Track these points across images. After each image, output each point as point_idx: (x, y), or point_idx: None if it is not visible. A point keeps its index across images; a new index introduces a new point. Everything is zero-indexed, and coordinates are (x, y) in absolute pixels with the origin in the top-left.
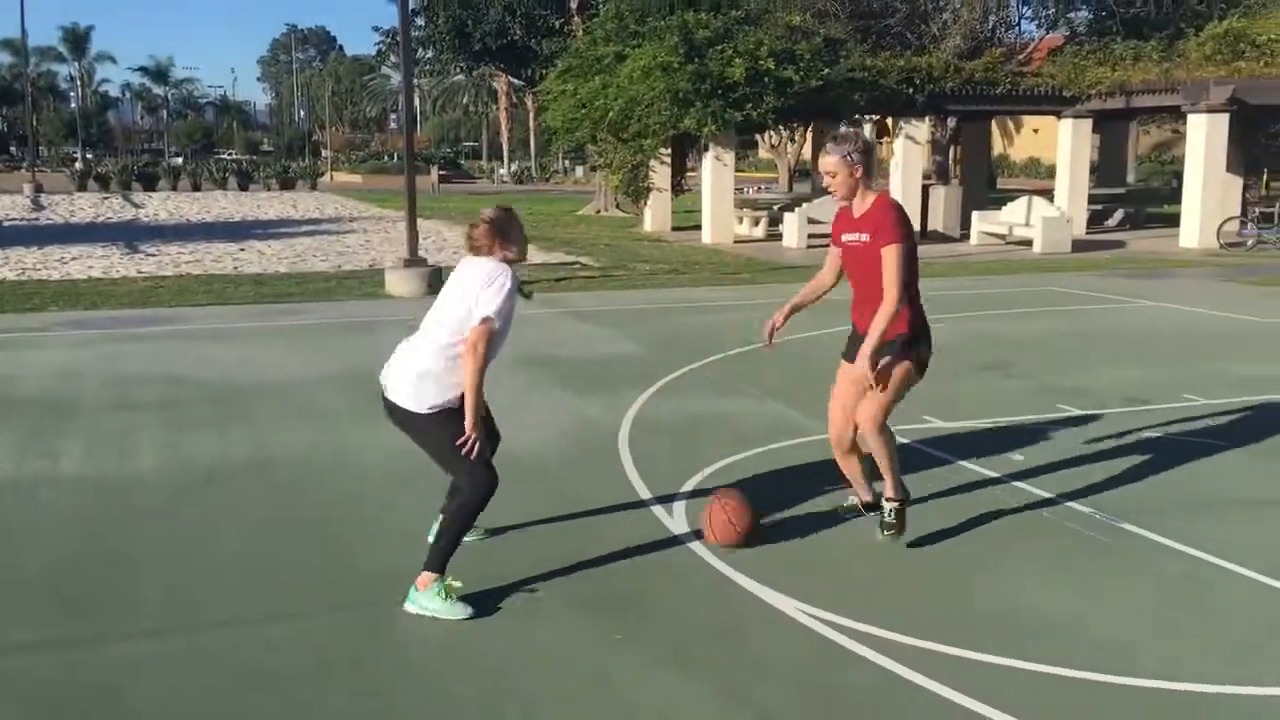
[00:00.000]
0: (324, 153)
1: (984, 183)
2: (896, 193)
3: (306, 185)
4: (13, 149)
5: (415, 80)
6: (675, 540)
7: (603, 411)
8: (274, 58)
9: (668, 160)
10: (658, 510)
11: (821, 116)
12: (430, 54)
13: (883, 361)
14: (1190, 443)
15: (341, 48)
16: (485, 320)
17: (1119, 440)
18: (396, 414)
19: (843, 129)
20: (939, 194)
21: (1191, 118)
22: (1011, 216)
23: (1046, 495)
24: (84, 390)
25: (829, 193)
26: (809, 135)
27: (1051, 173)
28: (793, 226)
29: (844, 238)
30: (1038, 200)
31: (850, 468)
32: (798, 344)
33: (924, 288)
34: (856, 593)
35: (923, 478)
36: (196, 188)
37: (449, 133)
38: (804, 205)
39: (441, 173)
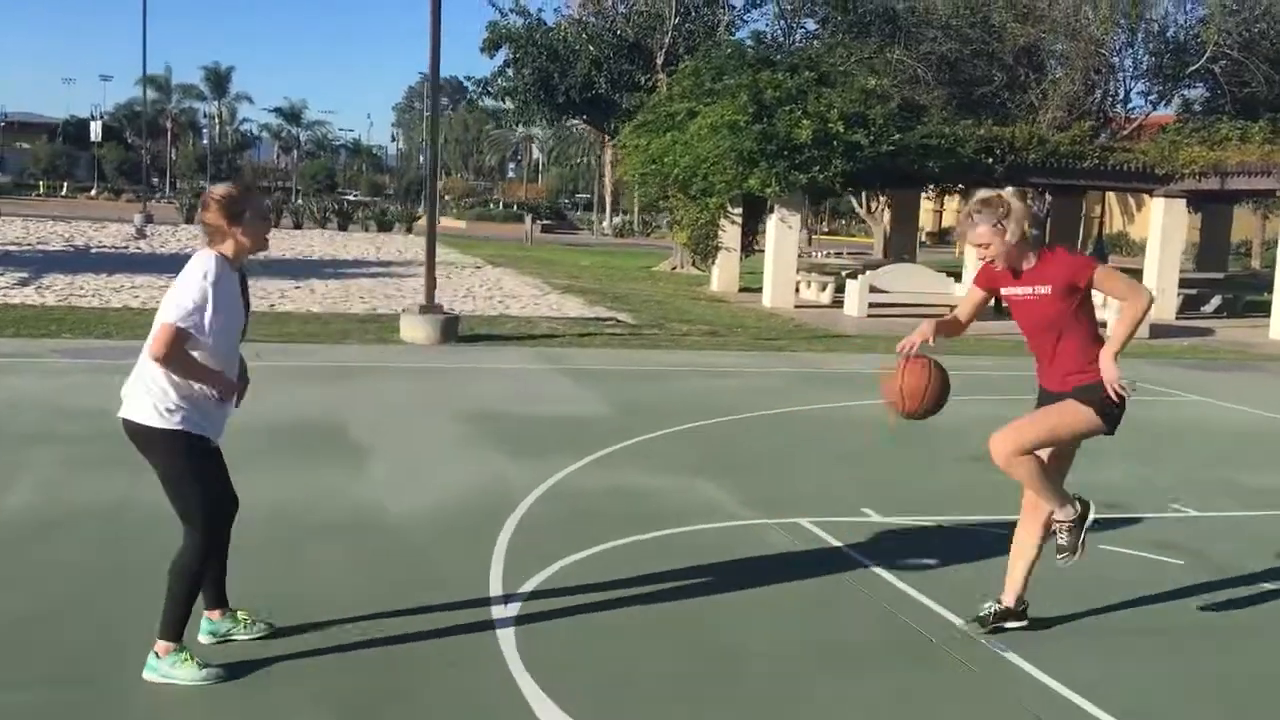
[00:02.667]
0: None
1: None
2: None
3: (403, 228)
4: (155, 180)
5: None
6: (480, 645)
7: (521, 477)
8: (408, 104)
9: (738, 220)
10: (488, 608)
11: (901, 182)
12: (513, 105)
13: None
14: (1145, 560)
15: (471, 98)
16: (164, 326)
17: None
18: (127, 429)
19: (983, 192)
20: None
21: None
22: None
23: (942, 613)
24: None
25: (983, 259)
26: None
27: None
28: (854, 294)
29: (1008, 291)
30: None
31: (1031, 544)
32: (770, 420)
33: (968, 364)
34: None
35: (816, 584)
36: (298, 226)
37: (568, 184)
38: (868, 273)
39: (545, 223)
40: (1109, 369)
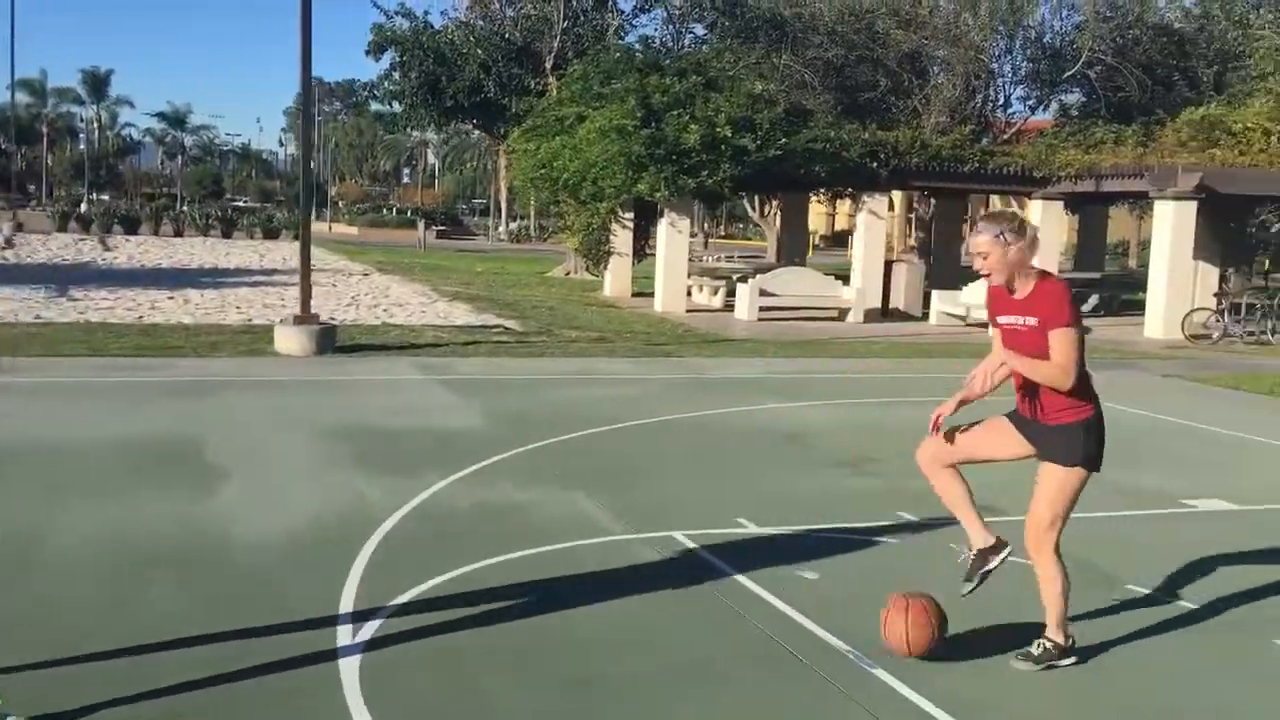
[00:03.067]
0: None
1: (956, 261)
2: (857, 268)
3: (291, 235)
4: (30, 188)
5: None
6: (321, 677)
7: (385, 497)
8: (299, 109)
9: (630, 224)
10: (335, 637)
11: (789, 186)
12: (400, 108)
13: (1059, 454)
14: (1029, 570)
15: (357, 102)
16: None
17: (929, 561)
18: None
19: (998, 207)
20: (900, 271)
21: (1158, 204)
22: (971, 298)
23: (812, 628)
24: None
25: (981, 274)
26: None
27: None
28: (744, 298)
29: (1002, 319)
30: None
31: (955, 490)
32: (651, 428)
33: (845, 366)
34: None
35: (684, 600)
36: (179, 233)
37: (465, 189)
38: (758, 277)
39: (440, 228)
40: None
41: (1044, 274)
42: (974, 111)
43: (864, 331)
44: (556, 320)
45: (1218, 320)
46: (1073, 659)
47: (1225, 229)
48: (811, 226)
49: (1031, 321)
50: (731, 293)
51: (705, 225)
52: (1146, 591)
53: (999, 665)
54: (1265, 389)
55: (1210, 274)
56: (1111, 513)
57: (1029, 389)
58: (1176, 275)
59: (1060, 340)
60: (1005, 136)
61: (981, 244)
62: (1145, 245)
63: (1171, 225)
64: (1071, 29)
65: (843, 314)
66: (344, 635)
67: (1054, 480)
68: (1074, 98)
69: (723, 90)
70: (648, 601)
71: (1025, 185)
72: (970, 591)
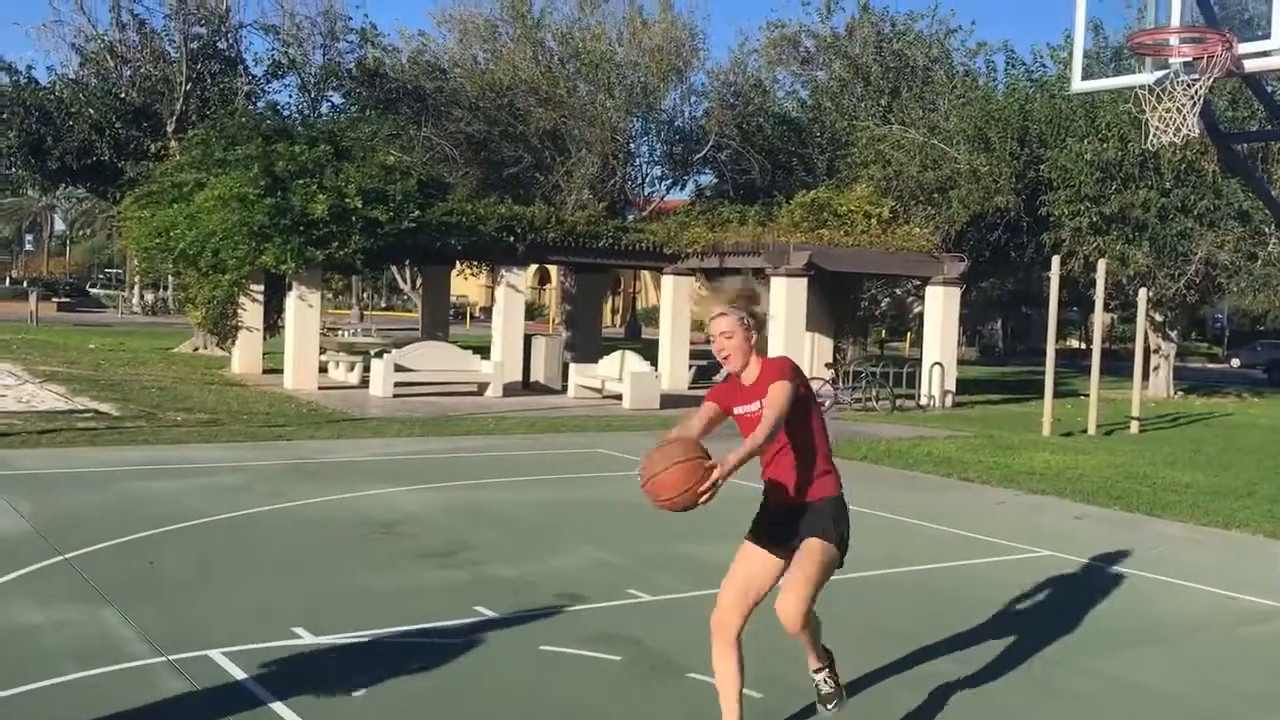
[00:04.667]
0: None
1: (596, 334)
2: (497, 342)
3: None
4: None
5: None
6: None
7: None
8: None
9: (259, 297)
10: None
11: (426, 259)
12: None
13: (817, 528)
14: (583, 660)
15: None
16: None
17: (497, 661)
18: None
19: (728, 280)
20: (540, 344)
21: (774, 280)
22: (606, 370)
23: None
24: None
25: (719, 356)
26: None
27: None
28: (379, 374)
29: (738, 410)
30: (630, 355)
31: (726, 669)
32: (223, 525)
33: (460, 445)
34: None
35: None
36: None
37: (100, 258)
38: (394, 352)
39: (63, 300)
40: (728, 465)
41: (764, 357)
42: (614, 188)
43: (501, 406)
44: (165, 402)
45: (830, 388)
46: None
47: (838, 302)
48: (471, 298)
49: (756, 408)
50: (369, 369)
51: (363, 297)
52: (709, 680)
53: None
54: (860, 455)
55: (826, 345)
56: (686, 593)
57: (780, 472)
58: (792, 345)
59: (776, 391)
60: (645, 213)
61: (725, 326)
62: None
63: (786, 299)
64: (701, 114)
65: (482, 388)
66: None
67: (817, 554)
68: (706, 178)
69: (355, 160)
70: None
71: (658, 260)
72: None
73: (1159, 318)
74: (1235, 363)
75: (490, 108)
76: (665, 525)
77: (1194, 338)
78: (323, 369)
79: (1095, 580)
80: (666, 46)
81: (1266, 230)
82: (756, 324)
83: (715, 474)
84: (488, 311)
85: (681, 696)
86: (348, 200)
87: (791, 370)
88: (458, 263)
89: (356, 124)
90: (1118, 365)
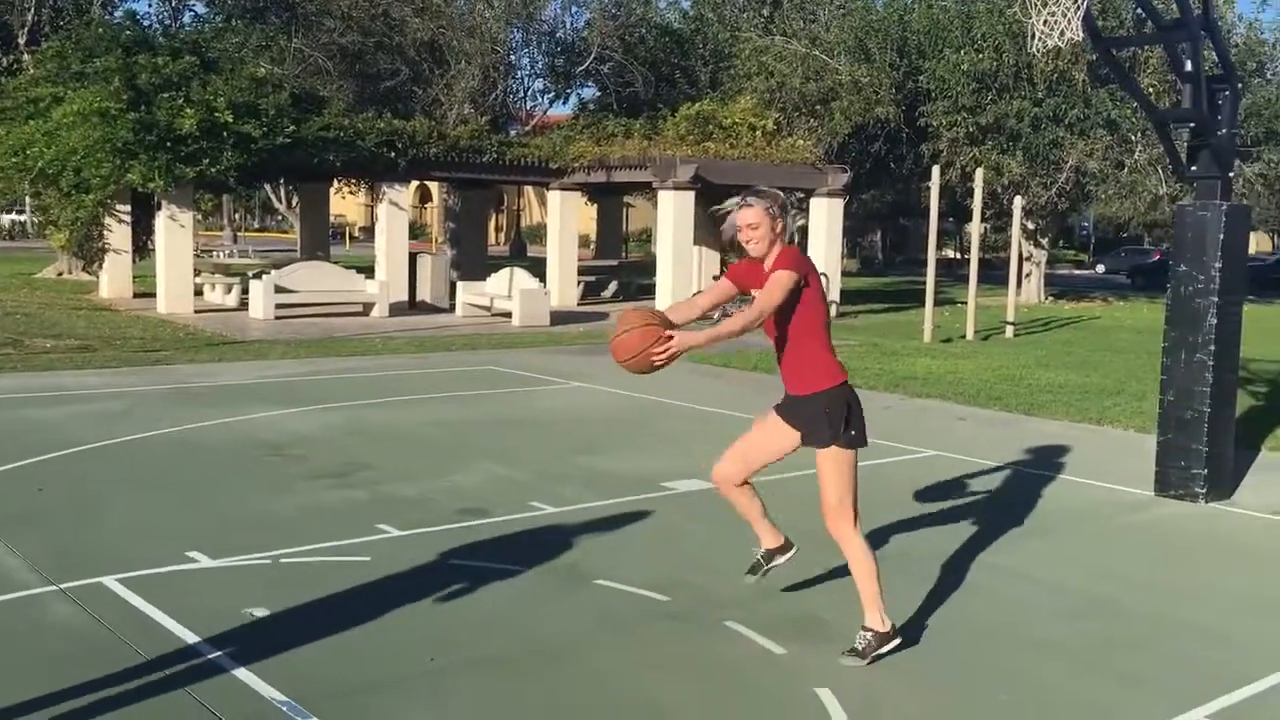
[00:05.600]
0: None
1: (482, 252)
2: (381, 261)
3: None
4: None
5: None
6: None
7: None
8: None
9: (127, 218)
10: None
11: (304, 176)
12: None
13: (815, 437)
14: (491, 573)
15: None
16: None
17: (403, 578)
18: None
19: (762, 186)
20: (426, 263)
21: (661, 193)
22: (494, 288)
23: (248, 679)
24: None
25: (744, 244)
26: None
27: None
28: (258, 295)
29: (755, 292)
30: (519, 272)
31: (743, 502)
32: (106, 452)
33: (349, 365)
34: None
35: (92, 657)
36: None
37: None
38: (274, 273)
39: None
40: (695, 338)
41: (786, 247)
42: (496, 102)
43: (388, 326)
44: (32, 328)
45: None
46: (897, 641)
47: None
48: (350, 218)
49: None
50: (247, 290)
51: (235, 218)
52: (616, 585)
53: (460, 683)
54: (750, 365)
55: (712, 258)
56: (589, 504)
57: (788, 363)
58: (680, 260)
59: (775, 280)
60: (529, 128)
61: (752, 216)
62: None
63: (673, 213)
64: (582, 25)
65: (367, 309)
66: None
67: (826, 467)
68: (590, 92)
69: (223, 73)
70: (53, 667)
71: (543, 176)
72: (754, 581)
73: (1031, 226)
74: (1100, 268)
75: (364, 18)
76: (566, 439)
77: (1062, 245)
78: (198, 292)
79: (981, 477)
80: None
81: (1133, 138)
82: (784, 217)
83: (674, 343)
84: (368, 231)
85: (591, 602)
86: (218, 115)
87: (799, 261)
88: (336, 181)
89: (223, 34)
90: (991, 274)
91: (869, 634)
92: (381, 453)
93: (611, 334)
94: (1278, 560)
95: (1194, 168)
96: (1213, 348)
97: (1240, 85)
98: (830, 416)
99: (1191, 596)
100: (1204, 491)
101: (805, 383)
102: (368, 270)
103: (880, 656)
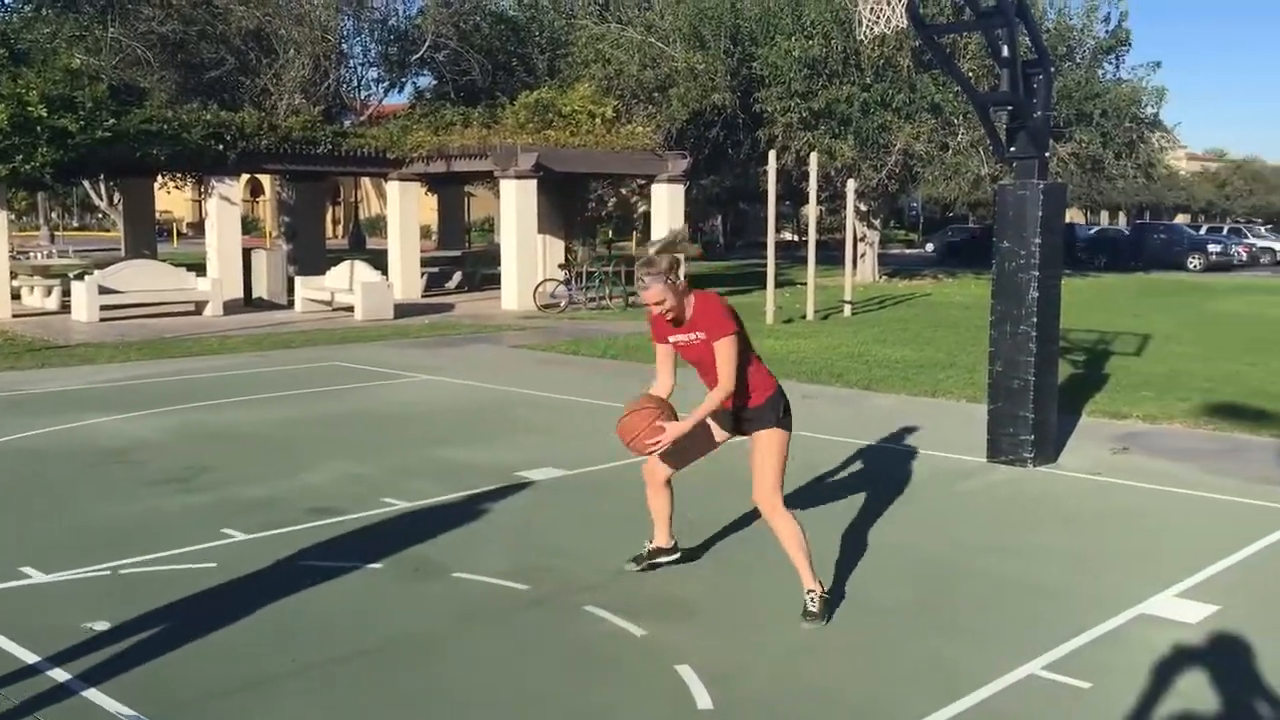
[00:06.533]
0: None
1: (319, 246)
2: (213, 258)
3: None
4: None
5: None
6: None
7: None
8: None
9: None
10: None
11: (128, 171)
12: None
13: (761, 423)
14: (346, 573)
15: None
16: None
17: (258, 579)
18: None
19: (644, 254)
20: (261, 258)
21: (503, 182)
22: (335, 282)
23: (95, 697)
24: None
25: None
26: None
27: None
28: (81, 297)
29: (674, 338)
30: (360, 265)
31: (661, 499)
32: None
33: (185, 367)
34: None
35: None
36: None
37: None
38: (97, 273)
39: None
40: (682, 427)
41: (696, 292)
42: (329, 92)
43: (223, 325)
44: None
45: (564, 289)
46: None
47: (568, 203)
48: (177, 214)
49: (700, 335)
50: (69, 292)
51: (52, 216)
52: (474, 577)
53: (332, 676)
54: (599, 352)
55: (557, 246)
56: (443, 497)
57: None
58: (525, 249)
59: (723, 348)
60: (364, 118)
61: (656, 294)
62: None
63: (516, 202)
64: (415, 13)
65: (200, 307)
66: None
67: (765, 444)
68: (426, 80)
69: (34, 65)
70: None
71: (381, 167)
72: (633, 569)
73: (863, 207)
74: (930, 247)
75: (185, 5)
76: (417, 433)
77: (893, 226)
78: (15, 295)
79: (830, 452)
80: None
81: (955, 121)
82: (676, 273)
83: (666, 435)
84: (196, 227)
85: (450, 594)
86: (30, 109)
87: (725, 317)
88: (161, 175)
89: (33, 24)
90: (828, 254)
91: (814, 595)
92: (226, 455)
93: (620, 417)
94: (1099, 519)
95: (1013, 149)
96: (1035, 319)
97: (1053, 69)
98: (774, 403)
99: (1025, 555)
100: (1031, 456)
101: (752, 399)
102: (199, 268)
103: (832, 611)
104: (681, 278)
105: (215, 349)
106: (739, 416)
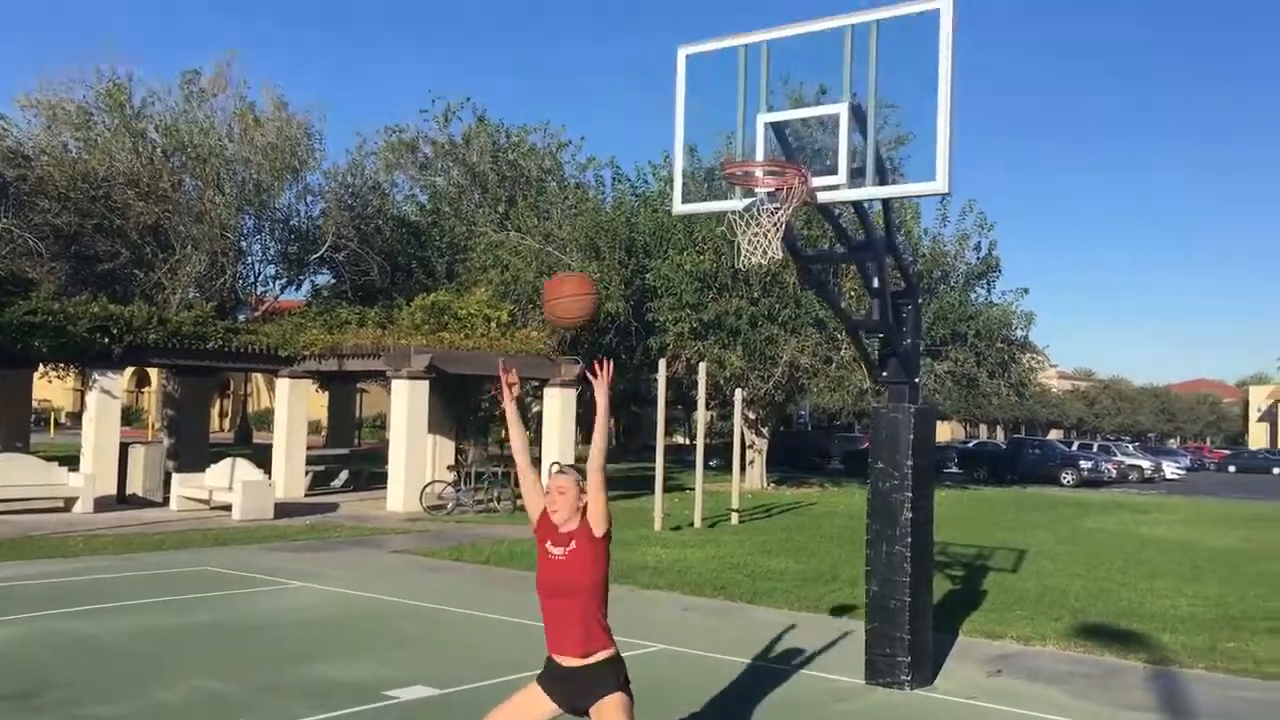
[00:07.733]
0: None
1: (203, 440)
2: (88, 450)
3: None
4: None
5: None
6: None
7: None
8: None
9: None
10: None
11: (9, 363)
12: None
13: (609, 686)
14: None
15: None
16: None
17: None
18: None
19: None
20: (138, 453)
21: (395, 382)
22: (214, 480)
23: None
24: None
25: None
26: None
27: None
28: None
29: (550, 546)
30: (241, 462)
31: None
32: None
33: (43, 570)
34: None
35: None
36: None
37: None
38: None
39: None
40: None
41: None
42: (224, 287)
43: (92, 523)
44: None
45: (452, 490)
46: None
47: (459, 404)
48: (56, 403)
49: (571, 547)
50: None
51: None
52: None
53: None
54: (483, 558)
55: (448, 446)
56: (307, 719)
57: (557, 628)
58: (414, 449)
59: (597, 518)
60: (259, 313)
61: (563, 483)
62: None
63: (408, 402)
64: (317, 214)
65: (69, 504)
66: None
67: (615, 706)
68: (324, 278)
69: None
70: None
71: (273, 363)
72: None
73: (752, 415)
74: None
75: (83, 199)
76: (285, 646)
77: (782, 432)
78: None
79: (705, 669)
80: (280, 144)
81: (839, 336)
82: (583, 486)
83: (514, 379)
84: (75, 417)
85: None
86: None
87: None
88: (42, 365)
89: None
90: (720, 458)
91: None
92: (77, 669)
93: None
94: None
95: (885, 373)
96: (909, 539)
97: (926, 296)
98: (615, 666)
99: None
100: (908, 679)
101: (582, 644)
102: (72, 461)
103: None
104: (583, 491)
105: (79, 549)
106: (576, 674)
